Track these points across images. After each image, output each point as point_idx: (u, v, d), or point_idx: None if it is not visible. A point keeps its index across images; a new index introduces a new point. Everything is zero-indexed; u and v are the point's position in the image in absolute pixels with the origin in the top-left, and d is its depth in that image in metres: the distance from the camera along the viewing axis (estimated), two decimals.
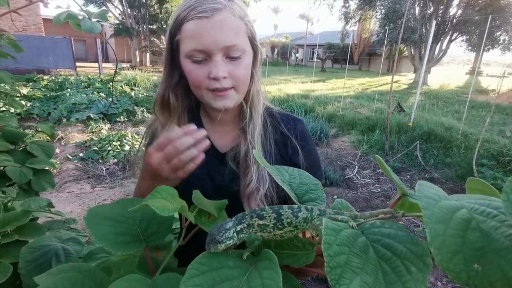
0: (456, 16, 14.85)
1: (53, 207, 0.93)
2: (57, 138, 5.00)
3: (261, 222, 0.41)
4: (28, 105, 6.24)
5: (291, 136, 0.81)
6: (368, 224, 0.38)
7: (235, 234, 0.41)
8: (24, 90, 6.93)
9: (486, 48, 15.08)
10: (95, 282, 0.43)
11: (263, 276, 0.35)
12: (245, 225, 0.42)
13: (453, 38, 15.51)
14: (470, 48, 16.45)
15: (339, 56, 26.33)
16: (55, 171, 3.87)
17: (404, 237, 0.34)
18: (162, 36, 18.52)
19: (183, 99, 0.78)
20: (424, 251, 0.32)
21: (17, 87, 6.79)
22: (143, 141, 0.84)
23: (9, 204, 0.87)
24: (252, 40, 0.71)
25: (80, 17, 0.95)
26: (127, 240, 0.46)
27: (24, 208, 0.78)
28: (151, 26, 18.89)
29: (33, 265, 0.65)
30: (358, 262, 0.32)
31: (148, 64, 20.45)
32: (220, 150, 0.79)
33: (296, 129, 0.82)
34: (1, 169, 0.96)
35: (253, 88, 0.75)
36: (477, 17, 12.92)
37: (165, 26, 17.61)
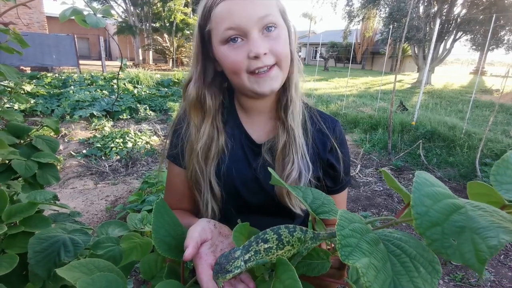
0: (461, 15, 14.76)
1: (58, 200, 0.94)
2: (60, 135, 5.02)
3: (266, 245, 0.43)
4: (32, 102, 6.27)
5: (330, 135, 0.76)
6: (381, 229, 0.39)
7: (242, 263, 0.41)
8: (28, 87, 6.96)
9: (490, 48, 15.00)
10: (124, 281, 0.45)
11: (283, 279, 0.38)
12: (253, 253, 0.42)
13: (457, 37, 15.43)
14: (474, 47, 16.37)
15: (342, 55, 26.24)
16: (59, 167, 3.90)
17: (415, 243, 0.35)
18: (165, 34, 18.55)
19: (217, 97, 0.74)
20: (434, 258, 0.32)
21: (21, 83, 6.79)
22: (167, 141, 0.81)
23: (15, 196, 0.88)
24: (284, 16, 0.68)
25: (85, 13, 0.96)
26: (173, 245, 0.47)
27: (30, 200, 0.79)
28: (154, 24, 18.90)
29: (42, 255, 0.66)
30: (368, 248, 0.33)
31: (151, 62, 20.47)
32: (256, 141, 0.75)
33: (336, 130, 0.78)
34: (7, 162, 0.97)
35: (294, 71, 0.70)
36: (481, 17, 12.83)
37: (167, 24, 17.62)
